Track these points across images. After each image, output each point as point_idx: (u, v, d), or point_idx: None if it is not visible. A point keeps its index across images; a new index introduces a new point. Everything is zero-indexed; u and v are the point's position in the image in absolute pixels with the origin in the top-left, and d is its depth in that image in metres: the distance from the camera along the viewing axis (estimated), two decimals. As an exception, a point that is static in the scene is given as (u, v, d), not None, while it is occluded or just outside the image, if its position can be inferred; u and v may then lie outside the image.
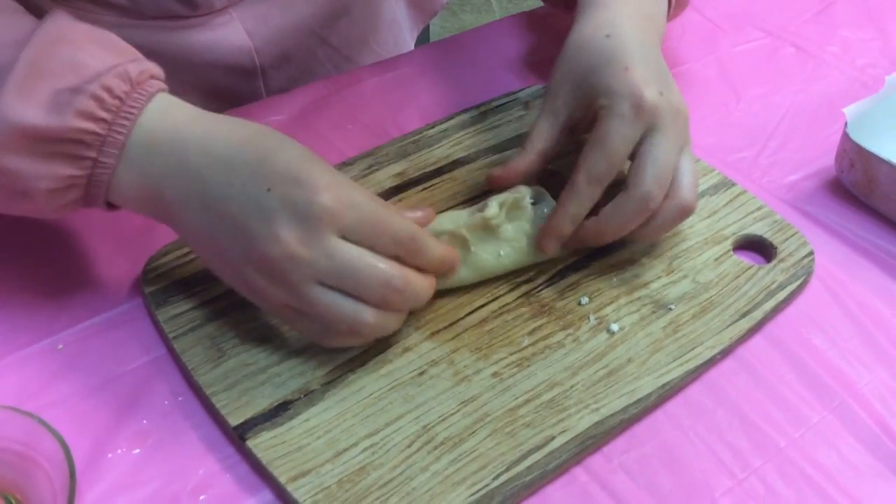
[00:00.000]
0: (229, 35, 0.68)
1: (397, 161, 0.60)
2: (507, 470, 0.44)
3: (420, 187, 0.58)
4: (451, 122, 0.63)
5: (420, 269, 0.47)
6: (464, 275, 0.51)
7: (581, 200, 0.50)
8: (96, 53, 0.45)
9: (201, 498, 0.44)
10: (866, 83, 0.70)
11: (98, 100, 0.44)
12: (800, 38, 0.75)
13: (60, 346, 0.50)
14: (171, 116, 0.46)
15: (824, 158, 0.63)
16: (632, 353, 0.49)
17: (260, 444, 0.44)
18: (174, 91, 0.47)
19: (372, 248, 0.44)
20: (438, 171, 0.60)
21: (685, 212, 0.51)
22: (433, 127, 0.63)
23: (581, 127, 0.54)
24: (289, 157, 0.44)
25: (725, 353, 0.50)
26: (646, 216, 0.50)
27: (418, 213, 0.50)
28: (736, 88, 0.70)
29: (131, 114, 0.45)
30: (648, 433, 0.47)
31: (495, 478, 0.43)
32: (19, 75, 0.43)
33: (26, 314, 0.51)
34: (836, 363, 0.51)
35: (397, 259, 0.45)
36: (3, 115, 0.42)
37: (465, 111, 0.64)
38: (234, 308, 0.50)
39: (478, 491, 0.43)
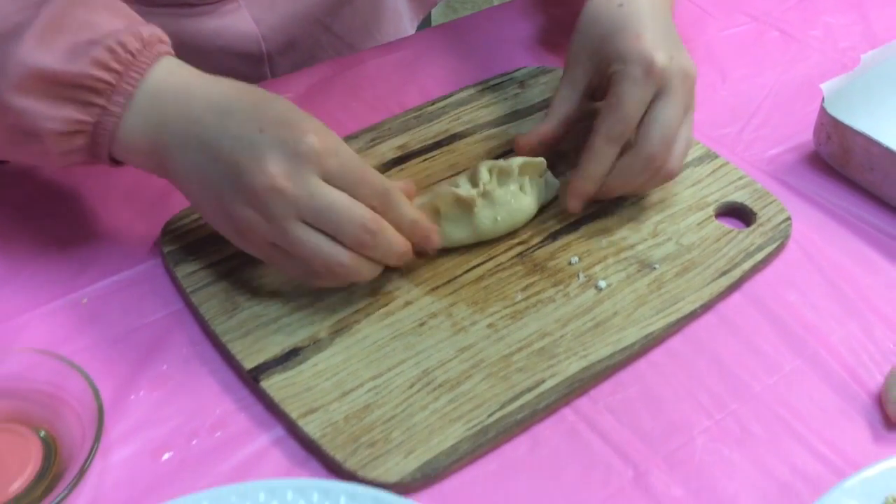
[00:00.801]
0: (237, 22, 0.72)
1: (399, 135, 0.64)
2: (501, 409, 0.47)
3: (420, 158, 0.62)
4: (451, 99, 0.67)
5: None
6: (463, 236, 0.55)
7: (600, 160, 0.55)
8: (111, 16, 0.49)
9: (218, 434, 0.47)
10: (846, 64, 0.74)
11: (112, 52, 0.47)
12: (784, 23, 0.79)
13: (85, 301, 0.53)
14: (176, 73, 0.50)
15: (804, 133, 0.66)
16: (618, 307, 0.53)
17: (272, 385, 0.48)
18: None
19: (349, 193, 0.48)
20: (438, 144, 0.63)
21: (669, 176, 0.56)
22: (433, 104, 0.67)
23: (599, 93, 0.58)
24: (280, 105, 0.49)
25: (706, 307, 0.54)
26: (650, 174, 0.55)
27: (400, 183, 0.54)
28: (722, 69, 0.74)
29: (141, 68, 0.48)
30: (632, 379, 0.51)
31: (489, 415, 0.47)
32: (40, 27, 0.47)
33: (53, 271, 0.55)
34: (809, 318, 0.54)
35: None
36: (21, 58, 0.46)
37: (463, 89, 0.68)
38: (245, 265, 0.54)
39: (473, 427, 0.46)
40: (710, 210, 0.59)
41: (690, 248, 0.57)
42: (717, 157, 0.63)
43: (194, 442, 0.47)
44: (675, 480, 0.46)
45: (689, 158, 0.63)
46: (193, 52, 0.70)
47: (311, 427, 0.46)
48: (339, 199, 0.47)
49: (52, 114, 0.48)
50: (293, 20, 0.74)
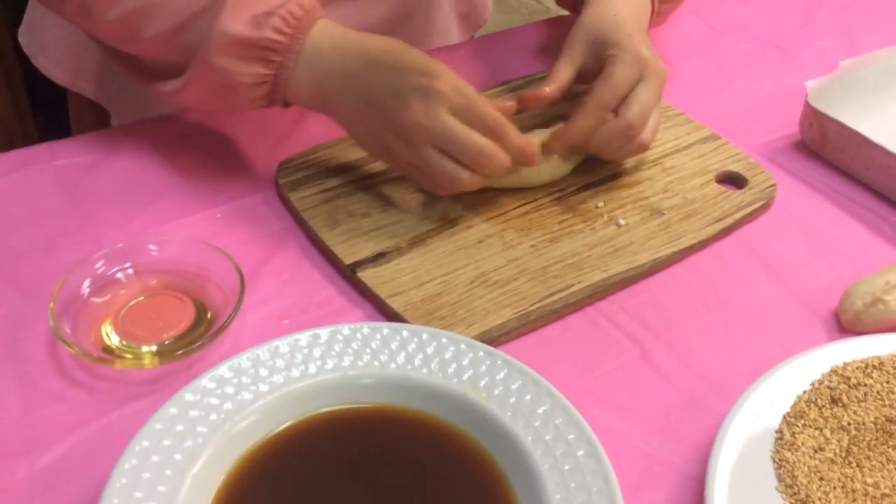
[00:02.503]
0: None
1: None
2: (539, 301, 0.62)
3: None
4: (486, 92, 0.82)
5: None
6: (511, 179, 0.70)
7: (589, 118, 0.68)
8: None
9: (324, 310, 0.62)
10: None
11: (284, 19, 0.63)
12: (784, 44, 0.94)
13: (219, 216, 0.69)
14: (331, 33, 0.65)
15: (793, 126, 0.81)
16: (633, 239, 0.67)
17: (366, 275, 0.63)
18: None
19: (471, 125, 0.62)
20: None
21: (642, 147, 0.70)
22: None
23: (588, 76, 0.72)
24: (415, 56, 0.63)
25: (703, 245, 0.68)
26: (626, 140, 0.69)
27: (507, 103, 0.69)
28: (729, 76, 0.89)
29: (304, 30, 0.64)
30: (642, 290, 0.65)
31: (531, 305, 0.61)
32: (230, 3, 0.62)
33: (194, 191, 0.70)
34: (784, 257, 0.68)
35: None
36: (221, 28, 0.62)
37: (496, 86, 0.83)
38: (342, 195, 0.69)
39: (518, 312, 0.61)
40: (711, 176, 0.74)
41: (693, 202, 0.71)
42: (719, 138, 0.78)
43: (306, 314, 0.62)
44: (671, 357, 0.60)
45: (696, 138, 0.78)
46: None
47: (396, 304, 0.61)
48: (462, 131, 0.62)
49: (245, 70, 0.63)
50: (362, 30, 0.88)
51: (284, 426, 0.51)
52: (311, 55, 0.64)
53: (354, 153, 0.73)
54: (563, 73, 0.73)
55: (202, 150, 0.75)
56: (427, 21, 0.96)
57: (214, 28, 0.62)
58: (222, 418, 0.49)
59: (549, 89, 0.72)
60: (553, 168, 0.71)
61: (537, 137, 0.70)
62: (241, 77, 0.63)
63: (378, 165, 0.72)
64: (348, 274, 0.64)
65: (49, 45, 0.88)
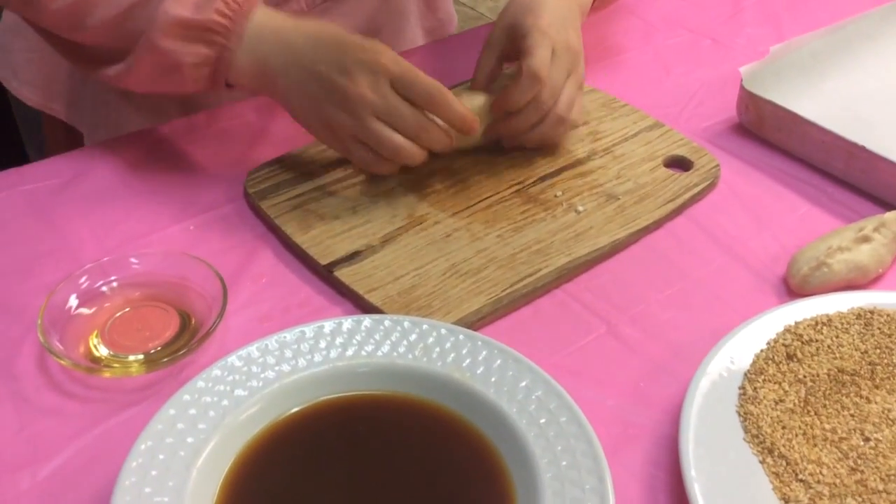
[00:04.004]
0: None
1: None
2: (510, 287, 0.65)
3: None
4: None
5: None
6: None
7: (520, 93, 0.72)
8: None
9: (304, 309, 0.64)
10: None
11: (226, 3, 0.67)
12: (715, 34, 1.00)
13: (192, 227, 0.71)
14: (272, 16, 0.69)
15: (730, 111, 0.86)
16: (592, 224, 0.71)
17: (343, 273, 0.65)
18: None
19: (410, 97, 0.67)
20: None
21: (562, 121, 0.75)
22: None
23: (510, 58, 0.77)
24: (355, 36, 0.68)
25: (657, 225, 0.72)
26: (541, 114, 0.73)
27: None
28: (667, 67, 0.94)
29: (245, 14, 0.68)
30: (604, 271, 0.69)
31: (503, 290, 0.65)
32: None
33: (166, 206, 0.72)
34: (733, 232, 0.73)
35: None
36: (166, 10, 0.65)
37: (455, 85, 0.87)
38: (312, 200, 0.71)
39: (491, 298, 0.64)
40: (659, 161, 0.78)
41: (644, 186, 0.75)
42: (664, 125, 0.82)
43: (287, 315, 0.64)
44: (636, 330, 0.64)
45: (641, 127, 0.82)
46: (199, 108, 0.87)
47: (375, 298, 0.63)
48: (402, 103, 0.67)
49: (189, 50, 0.67)
50: None
51: (281, 417, 0.53)
52: (253, 37, 0.68)
53: (319, 159, 0.75)
54: (486, 63, 0.77)
55: (171, 165, 0.77)
56: (395, 35, 0.99)
57: (159, 10, 0.65)
58: (221, 413, 0.51)
59: (477, 83, 0.77)
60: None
61: (472, 102, 0.74)
62: (185, 57, 0.67)
63: (343, 170, 0.75)
64: (325, 274, 0.66)
65: (20, 69, 0.90)
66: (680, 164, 0.79)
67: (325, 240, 0.68)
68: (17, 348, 0.60)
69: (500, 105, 0.74)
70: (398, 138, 0.68)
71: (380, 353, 0.56)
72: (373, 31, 0.95)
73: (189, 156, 0.78)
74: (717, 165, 0.78)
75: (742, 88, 0.82)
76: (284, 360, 0.55)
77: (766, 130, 0.81)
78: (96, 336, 0.60)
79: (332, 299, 0.65)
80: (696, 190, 0.75)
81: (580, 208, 0.72)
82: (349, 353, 0.56)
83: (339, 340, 0.56)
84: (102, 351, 0.59)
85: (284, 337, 0.56)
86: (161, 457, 0.48)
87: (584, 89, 0.79)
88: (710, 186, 0.77)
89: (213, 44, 0.67)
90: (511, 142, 0.77)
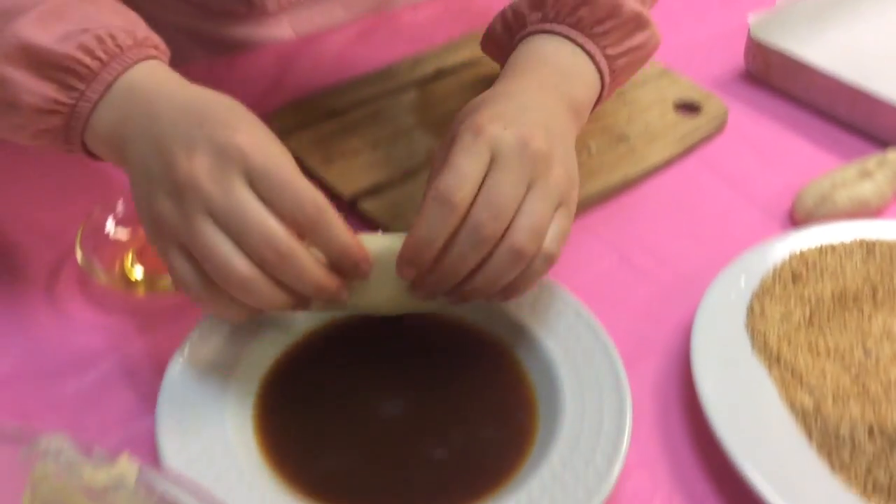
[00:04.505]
0: (275, 30, 0.87)
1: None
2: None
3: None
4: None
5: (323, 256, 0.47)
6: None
7: (431, 226, 0.48)
8: (112, 14, 0.51)
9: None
10: (770, 16, 0.96)
11: (101, 41, 0.49)
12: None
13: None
14: (157, 74, 0.51)
15: (737, 60, 0.88)
16: (604, 162, 0.74)
17: (366, 205, 0.68)
18: None
19: (272, 203, 0.45)
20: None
21: (519, 253, 0.48)
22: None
23: None
24: (231, 110, 0.48)
25: (667, 164, 0.75)
26: (483, 247, 0.48)
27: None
28: (676, 20, 0.95)
29: (126, 62, 0.50)
30: (616, 207, 0.71)
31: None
32: (43, 11, 0.49)
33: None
34: (741, 172, 0.75)
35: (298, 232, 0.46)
36: (15, 31, 0.48)
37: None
38: (334, 137, 0.74)
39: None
40: (669, 105, 0.80)
41: (654, 128, 0.78)
42: (673, 73, 0.85)
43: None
44: (647, 258, 0.66)
45: (651, 75, 0.84)
46: (222, 47, 0.85)
47: (397, 226, 0.66)
48: (253, 208, 0.45)
49: (34, 88, 0.49)
50: (325, 30, 0.89)
51: (316, 326, 0.56)
52: (122, 92, 0.50)
53: (339, 102, 0.78)
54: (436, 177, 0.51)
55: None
56: None
57: (7, 28, 0.49)
58: (258, 322, 0.54)
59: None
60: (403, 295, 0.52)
61: (382, 242, 0.52)
62: (27, 95, 0.49)
63: (363, 112, 0.77)
64: (348, 206, 0.69)
65: None
66: (689, 108, 0.81)
67: (347, 173, 0.71)
68: (57, 271, 0.62)
69: (411, 246, 0.49)
70: (232, 256, 0.45)
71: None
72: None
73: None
74: (725, 110, 0.80)
75: (750, 37, 0.84)
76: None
77: (773, 77, 0.84)
78: (132, 258, 0.62)
79: (357, 229, 0.67)
80: (704, 132, 0.78)
81: (592, 148, 0.75)
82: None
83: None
84: (138, 271, 0.62)
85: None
86: (204, 357, 0.51)
87: (568, 208, 0.52)
88: (719, 129, 0.79)
89: (68, 88, 0.49)
90: (457, 301, 0.51)
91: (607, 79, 0.61)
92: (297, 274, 0.46)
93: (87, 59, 0.49)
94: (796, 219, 0.69)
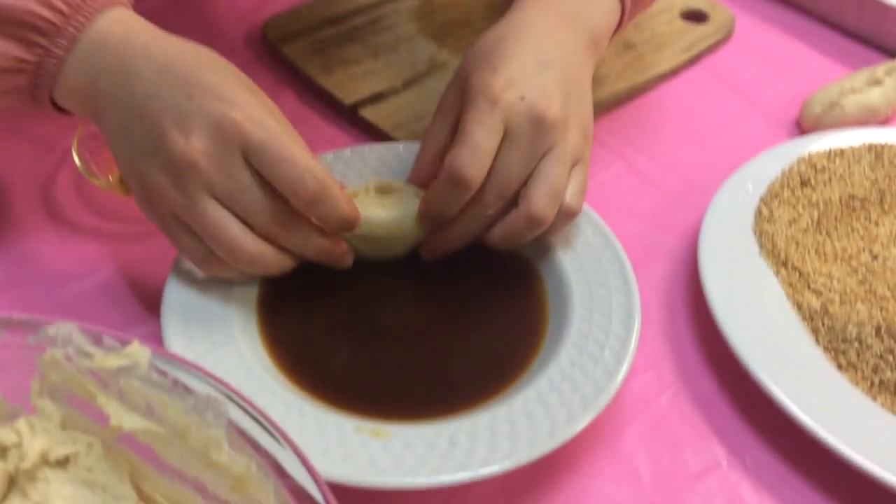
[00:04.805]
0: None
1: None
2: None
3: None
4: None
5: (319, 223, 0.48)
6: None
7: (442, 201, 0.50)
8: None
9: (332, 147, 0.65)
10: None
11: None
12: None
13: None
14: (126, 24, 0.48)
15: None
16: (611, 70, 0.72)
17: (368, 113, 0.66)
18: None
19: (271, 177, 0.45)
20: None
21: (537, 219, 0.49)
22: None
23: None
24: (217, 74, 0.46)
25: (674, 72, 0.74)
26: (483, 224, 0.51)
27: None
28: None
29: (89, 12, 0.46)
30: (623, 115, 0.70)
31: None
32: None
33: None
34: (749, 80, 0.74)
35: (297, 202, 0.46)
36: None
37: None
38: (333, 45, 0.72)
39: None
40: (676, 13, 0.79)
41: (661, 36, 0.76)
42: (679, -18, 0.83)
43: (315, 152, 0.65)
44: (654, 166, 0.66)
45: (658, -18, 0.82)
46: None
47: (400, 135, 0.64)
48: (253, 184, 0.45)
49: None
50: None
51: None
52: (91, 44, 0.47)
53: (339, 8, 0.76)
54: (435, 139, 0.53)
55: (188, 10, 0.77)
56: None
57: None
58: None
59: (422, 167, 0.54)
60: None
61: (405, 206, 0.52)
62: None
63: (363, 18, 0.75)
64: (349, 114, 0.67)
65: None
66: (696, 16, 0.79)
67: (347, 81, 0.69)
68: (53, 177, 0.61)
69: (426, 212, 0.51)
70: (240, 235, 0.46)
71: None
72: None
73: (207, 3, 0.78)
74: (732, 18, 0.79)
75: (758, -57, 0.82)
76: (336, 172, 0.57)
77: (781, -15, 0.82)
78: (130, 164, 0.61)
79: (358, 138, 0.67)
80: (711, 40, 0.76)
81: (598, 57, 0.73)
82: (382, 173, 0.58)
83: (373, 162, 0.58)
84: (137, 179, 0.60)
85: (327, 156, 0.58)
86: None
87: (584, 162, 0.52)
88: (726, 38, 0.77)
89: (30, 45, 0.46)
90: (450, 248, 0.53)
91: (628, 1, 0.58)
92: (303, 242, 0.48)
93: (47, 12, 0.46)
94: (804, 126, 0.68)
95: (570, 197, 0.50)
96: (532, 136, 0.49)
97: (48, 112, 0.49)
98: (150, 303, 0.53)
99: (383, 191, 0.53)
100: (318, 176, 0.46)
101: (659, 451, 0.48)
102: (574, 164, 0.51)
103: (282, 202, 0.46)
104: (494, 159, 0.49)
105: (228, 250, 0.46)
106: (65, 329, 0.35)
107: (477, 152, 0.48)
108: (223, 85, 0.46)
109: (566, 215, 0.51)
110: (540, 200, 0.49)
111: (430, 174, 0.52)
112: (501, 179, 0.49)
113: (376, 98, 0.68)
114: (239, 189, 0.45)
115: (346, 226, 0.48)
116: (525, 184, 0.49)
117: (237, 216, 0.46)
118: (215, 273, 0.48)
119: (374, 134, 0.66)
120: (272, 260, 0.48)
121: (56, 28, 0.46)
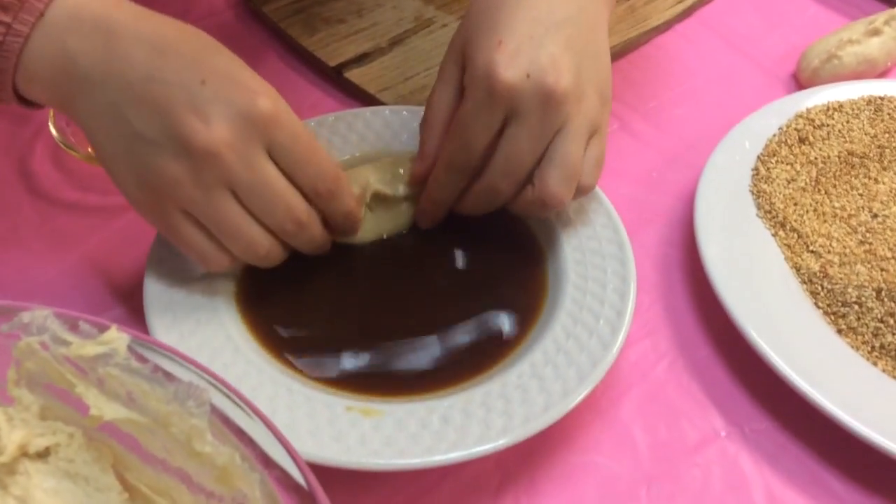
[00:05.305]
0: None
1: None
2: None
3: None
4: None
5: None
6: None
7: (444, 188, 0.49)
8: None
9: (317, 112, 0.63)
10: None
11: None
12: None
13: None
14: None
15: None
16: (602, 24, 0.70)
17: (353, 75, 0.64)
18: None
19: (293, 173, 0.44)
20: None
21: (552, 201, 0.47)
22: None
23: None
24: (225, 57, 0.43)
25: (668, 26, 0.71)
26: (496, 204, 0.49)
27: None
28: None
29: None
30: (616, 71, 0.63)
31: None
32: None
33: (165, 11, 0.70)
34: (744, 33, 0.72)
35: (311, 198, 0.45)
36: None
37: None
38: (316, 4, 0.69)
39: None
40: (668, -35, 0.76)
41: (655, -11, 0.74)
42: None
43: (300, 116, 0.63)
44: (648, 125, 0.64)
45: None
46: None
47: (386, 98, 0.63)
48: (278, 181, 0.43)
49: None
50: None
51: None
52: (62, 20, 0.41)
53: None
54: (439, 109, 0.50)
55: None
56: None
57: None
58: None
59: (428, 147, 0.50)
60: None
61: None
62: None
63: (345, -25, 0.72)
64: (334, 76, 0.65)
65: None
66: (690, -33, 0.77)
67: (331, 42, 0.67)
68: (31, 147, 0.59)
69: (427, 206, 0.51)
70: (257, 232, 0.44)
71: (404, 139, 0.56)
72: None
73: None
74: (727, -31, 0.76)
75: None
76: (320, 138, 0.55)
77: (778, -68, 0.79)
78: (108, 135, 0.59)
79: (343, 101, 0.65)
80: (706, -8, 0.74)
81: (589, 10, 0.71)
82: (369, 140, 0.56)
83: (359, 127, 0.56)
84: (116, 149, 0.59)
85: (309, 123, 0.56)
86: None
87: (601, 132, 0.49)
88: (720, -11, 0.75)
89: None
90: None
91: None
92: (310, 240, 0.47)
93: None
94: (801, 80, 0.67)
95: (586, 176, 0.48)
96: (541, 115, 0.45)
97: (10, 103, 0.43)
98: (131, 277, 0.52)
99: (379, 199, 0.51)
100: (338, 175, 0.46)
101: (656, 423, 0.47)
102: (591, 135, 0.48)
103: (301, 203, 0.45)
104: (502, 140, 0.47)
105: (244, 247, 0.44)
106: (40, 315, 0.34)
107: (470, 143, 0.47)
108: (235, 69, 0.43)
109: (582, 192, 0.49)
110: (555, 184, 0.47)
111: (438, 151, 0.50)
112: (510, 161, 0.47)
113: (361, 59, 0.66)
114: (262, 183, 0.42)
115: (349, 223, 0.48)
116: (539, 163, 0.47)
117: (249, 211, 0.43)
118: (215, 269, 0.46)
119: (361, 97, 0.64)
120: (279, 255, 0.46)
121: (19, 2, 0.40)
